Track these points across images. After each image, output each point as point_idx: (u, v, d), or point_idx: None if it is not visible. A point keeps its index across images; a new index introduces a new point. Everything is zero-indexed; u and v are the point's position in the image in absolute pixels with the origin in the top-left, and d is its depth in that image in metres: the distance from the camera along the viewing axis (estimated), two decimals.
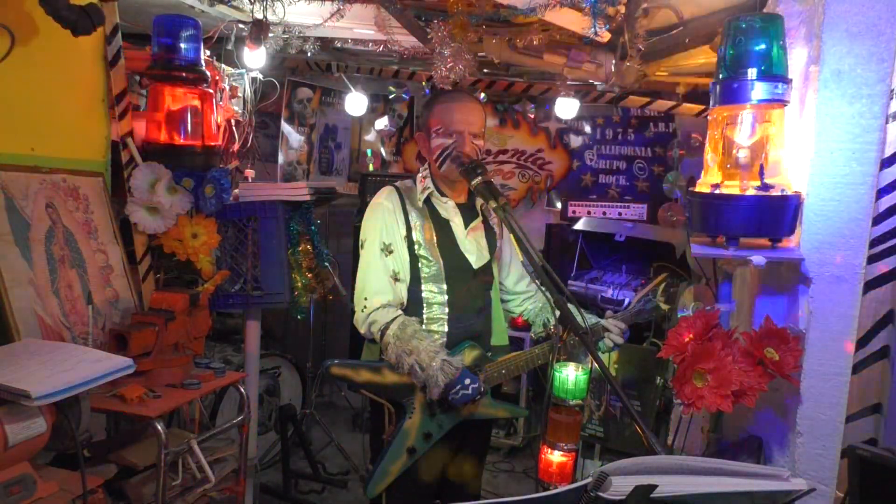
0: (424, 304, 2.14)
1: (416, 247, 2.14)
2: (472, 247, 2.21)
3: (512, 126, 5.08)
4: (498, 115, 5.06)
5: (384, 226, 2.14)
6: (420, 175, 2.22)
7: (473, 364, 2.11)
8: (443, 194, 2.19)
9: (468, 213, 2.22)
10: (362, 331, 2.13)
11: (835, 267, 1.65)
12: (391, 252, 2.12)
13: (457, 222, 2.19)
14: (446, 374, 1.97)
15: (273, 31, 2.94)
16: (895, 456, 1.45)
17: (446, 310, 2.14)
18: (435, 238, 2.15)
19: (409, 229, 2.14)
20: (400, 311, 2.10)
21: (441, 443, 2.13)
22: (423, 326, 2.11)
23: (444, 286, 2.14)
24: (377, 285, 2.11)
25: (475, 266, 2.20)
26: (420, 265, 2.14)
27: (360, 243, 2.19)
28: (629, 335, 2.21)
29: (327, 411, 4.67)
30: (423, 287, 2.14)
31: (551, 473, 1.78)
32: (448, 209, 2.19)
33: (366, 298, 2.10)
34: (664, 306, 2.22)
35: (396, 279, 2.13)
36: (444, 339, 2.13)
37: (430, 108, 2.19)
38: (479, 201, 2.23)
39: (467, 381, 2.00)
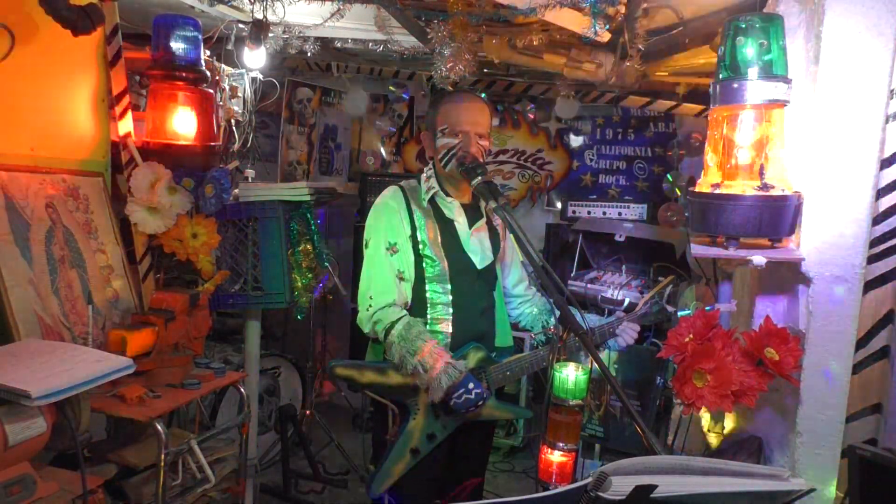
0: (429, 305, 2.14)
1: (420, 246, 2.14)
2: (477, 247, 2.21)
3: (512, 126, 5.08)
4: (498, 115, 5.06)
5: (389, 225, 2.13)
6: (424, 175, 2.22)
7: (478, 366, 2.11)
8: (447, 194, 2.19)
9: (472, 213, 2.22)
10: (366, 330, 2.13)
11: (835, 267, 1.65)
12: (396, 251, 2.12)
13: (461, 222, 2.19)
14: (450, 377, 1.96)
15: (273, 31, 2.94)
16: (895, 456, 1.45)
17: (450, 310, 2.14)
18: (439, 238, 2.15)
19: (413, 229, 2.14)
20: (405, 311, 2.10)
21: (444, 443, 2.13)
22: (428, 327, 2.11)
23: (449, 286, 2.14)
24: (382, 284, 2.10)
25: (479, 266, 2.20)
26: (424, 265, 2.14)
27: (364, 242, 2.18)
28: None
29: (327, 411, 4.67)
30: (428, 287, 2.14)
31: (551, 473, 1.78)
32: (452, 209, 2.19)
33: (371, 297, 2.10)
34: (670, 308, 2.23)
35: (401, 278, 2.12)
36: (449, 340, 2.12)
37: (436, 108, 2.18)
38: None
39: (471, 386, 1.99)
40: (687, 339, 1.74)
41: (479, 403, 2.01)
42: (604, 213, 4.53)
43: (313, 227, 3.05)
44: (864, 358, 1.83)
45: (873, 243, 1.73)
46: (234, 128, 3.12)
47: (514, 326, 2.38)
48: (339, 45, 3.49)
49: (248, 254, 2.84)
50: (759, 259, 1.65)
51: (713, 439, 2.07)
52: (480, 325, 2.20)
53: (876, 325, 1.83)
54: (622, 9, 2.29)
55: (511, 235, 1.95)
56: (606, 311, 3.48)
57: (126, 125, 2.57)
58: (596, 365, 1.66)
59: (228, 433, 2.49)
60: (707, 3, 2.43)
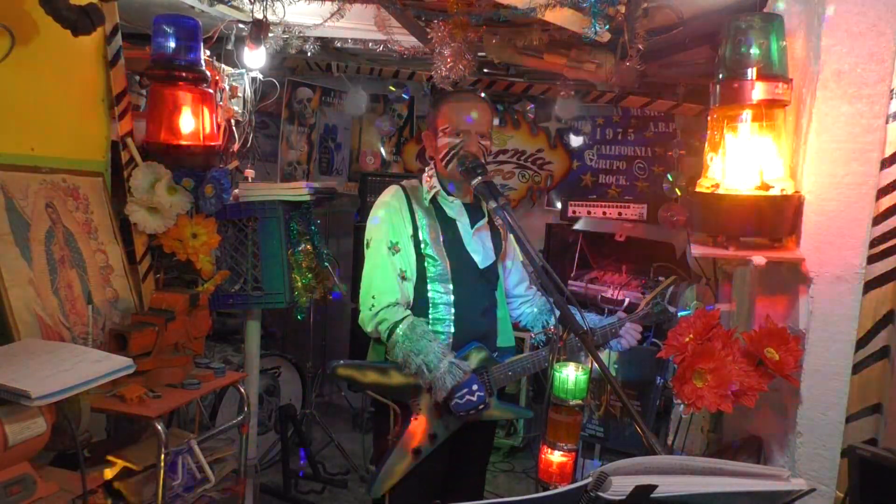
0: (430, 304, 2.14)
1: (422, 246, 2.13)
2: (479, 247, 2.20)
3: (512, 126, 5.08)
4: (498, 115, 5.06)
5: (390, 224, 2.13)
6: (426, 174, 2.21)
7: (479, 366, 2.11)
8: (449, 193, 2.19)
9: (474, 212, 2.22)
10: (369, 329, 2.13)
11: (835, 267, 1.65)
12: (398, 251, 2.12)
13: (463, 222, 2.19)
14: (454, 377, 1.96)
15: (273, 31, 2.94)
16: (895, 456, 1.45)
17: (452, 310, 2.14)
18: (441, 237, 2.15)
19: (415, 228, 2.14)
20: (409, 311, 2.10)
21: (446, 443, 2.13)
22: (430, 326, 2.11)
23: (451, 286, 2.14)
24: (385, 284, 2.10)
25: (481, 266, 2.20)
26: (426, 265, 2.14)
27: (365, 242, 2.18)
28: None
29: (327, 411, 4.67)
30: (429, 287, 2.14)
31: (551, 473, 1.78)
32: (454, 209, 2.19)
33: (373, 297, 2.10)
34: (672, 309, 2.23)
35: (403, 278, 2.12)
36: (450, 340, 2.12)
37: (438, 108, 2.18)
38: None
39: (474, 388, 1.99)
40: (687, 339, 1.74)
41: (480, 407, 2.00)
42: (604, 213, 4.52)
43: (313, 227, 3.05)
44: (864, 358, 1.83)
45: (873, 243, 1.73)
46: (234, 128, 3.12)
47: (515, 326, 2.38)
48: (339, 45, 3.49)
49: (248, 254, 2.84)
50: (759, 259, 1.65)
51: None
52: (482, 324, 2.20)
53: (876, 325, 1.82)
54: (622, 9, 2.29)
55: (511, 235, 1.95)
56: (606, 311, 3.48)
57: (126, 125, 2.57)
58: (596, 365, 1.66)
59: (228, 433, 2.49)
60: (707, 3, 2.43)
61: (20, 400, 1.52)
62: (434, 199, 2.18)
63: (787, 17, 1.75)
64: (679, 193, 4.39)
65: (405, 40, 3.15)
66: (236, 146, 3.15)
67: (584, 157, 5.03)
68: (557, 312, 1.77)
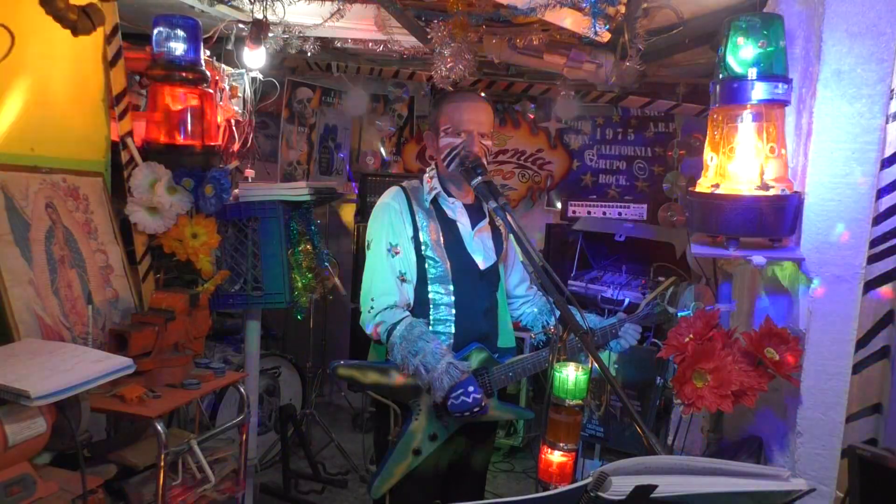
0: (431, 305, 2.13)
1: (422, 247, 2.13)
2: (479, 247, 2.20)
3: (512, 126, 5.08)
4: (498, 115, 5.06)
5: (391, 226, 2.13)
6: (427, 175, 2.21)
7: (480, 367, 2.10)
8: (450, 195, 2.18)
9: (475, 213, 2.21)
10: (368, 332, 2.13)
11: (835, 267, 1.65)
12: (398, 253, 2.12)
13: (464, 223, 2.19)
14: (452, 377, 1.96)
15: (273, 31, 2.94)
16: (895, 456, 1.45)
17: (453, 311, 2.13)
18: (442, 239, 2.15)
19: (415, 230, 2.14)
20: (407, 312, 2.09)
21: (446, 444, 2.13)
22: (430, 328, 2.10)
23: (451, 287, 2.13)
24: (384, 286, 2.10)
25: (482, 267, 2.19)
26: (427, 266, 2.13)
27: (366, 244, 2.18)
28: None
29: (327, 411, 4.67)
30: (430, 288, 2.13)
31: (551, 473, 1.78)
32: (455, 210, 2.19)
33: (372, 299, 2.10)
34: (671, 309, 2.23)
35: (403, 280, 2.12)
36: (451, 341, 2.12)
37: (439, 108, 2.18)
38: None
39: (470, 389, 1.98)
40: (687, 339, 1.74)
41: (475, 409, 1.99)
42: (604, 213, 4.53)
43: (313, 227, 3.05)
44: (864, 358, 1.83)
45: (873, 243, 1.73)
46: (234, 128, 3.12)
47: (515, 326, 2.38)
48: (339, 45, 3.49)
49: (248, 254, 2.84)
50: (759, 259, 1.65)
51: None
52: (483, 325, 2.19)
53: (876, 325, 1.83)
54: (622, 9, 2.29)
55: (511, 235, 1.95)
56: (606, 312, 3.48)
57: (126, 125, 2.57)
58: (596, 365, 1.66)
59: (228, 433, 2.49)
60: (707, 3, 2.44)
61: (20, 400, 1.52)
62: (435, 201, 2.18)
63: (787, 17, 1.75)
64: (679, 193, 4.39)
65: (405, 40, 3.15)
66: (236, 146, 3.15)
67: (584, 157, 5.03)
68: (558, 312, 1.77)
